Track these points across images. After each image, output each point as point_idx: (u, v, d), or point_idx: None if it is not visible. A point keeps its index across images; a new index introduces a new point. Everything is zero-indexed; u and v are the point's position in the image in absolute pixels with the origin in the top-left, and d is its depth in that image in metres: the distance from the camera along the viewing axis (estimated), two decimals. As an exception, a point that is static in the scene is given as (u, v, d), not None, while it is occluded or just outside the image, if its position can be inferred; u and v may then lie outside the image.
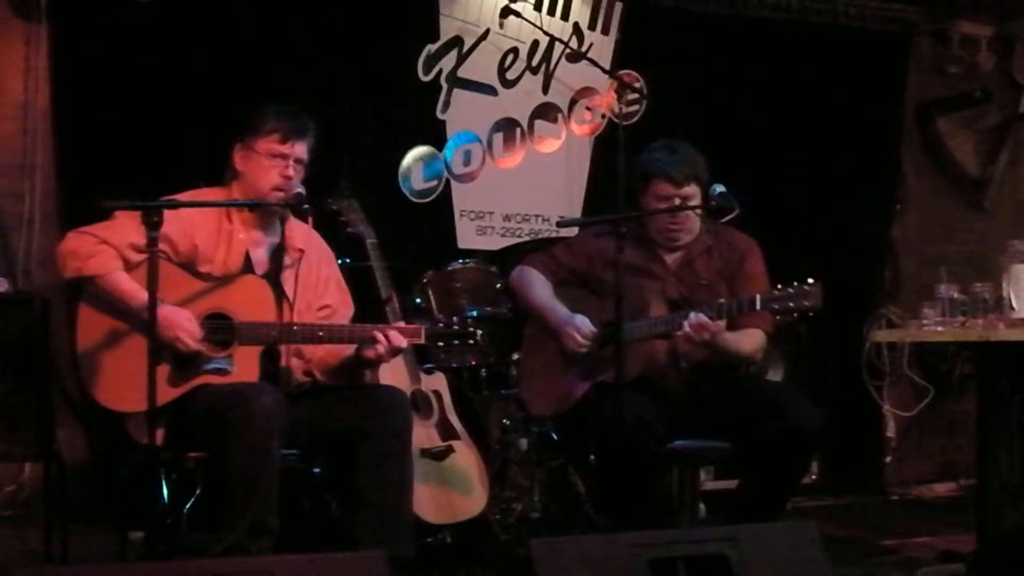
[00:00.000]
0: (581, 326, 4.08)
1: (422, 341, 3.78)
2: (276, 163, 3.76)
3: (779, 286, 3.81)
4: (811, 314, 3.79)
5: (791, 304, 3.76)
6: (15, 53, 5.17)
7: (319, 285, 3.92)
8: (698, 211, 4.17)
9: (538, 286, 4.28)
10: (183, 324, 3.56)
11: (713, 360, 4.06)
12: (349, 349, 3.80)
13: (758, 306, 3.82)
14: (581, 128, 6.11)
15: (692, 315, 3.84)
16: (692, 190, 4.10)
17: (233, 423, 3.42)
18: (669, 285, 4.15)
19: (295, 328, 3.70)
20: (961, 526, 4.73)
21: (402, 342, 3.72)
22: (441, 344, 3.79)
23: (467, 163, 5.88)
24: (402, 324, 3.82)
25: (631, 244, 3.92)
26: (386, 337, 3.69)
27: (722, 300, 3.91)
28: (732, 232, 4.30)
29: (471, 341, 3.76)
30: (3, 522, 4.79)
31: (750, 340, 4.07)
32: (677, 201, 4.08)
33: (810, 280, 3.75)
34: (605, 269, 4.12)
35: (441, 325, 3.79)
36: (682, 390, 4.08)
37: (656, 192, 4.11)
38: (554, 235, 5.47)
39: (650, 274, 4.15)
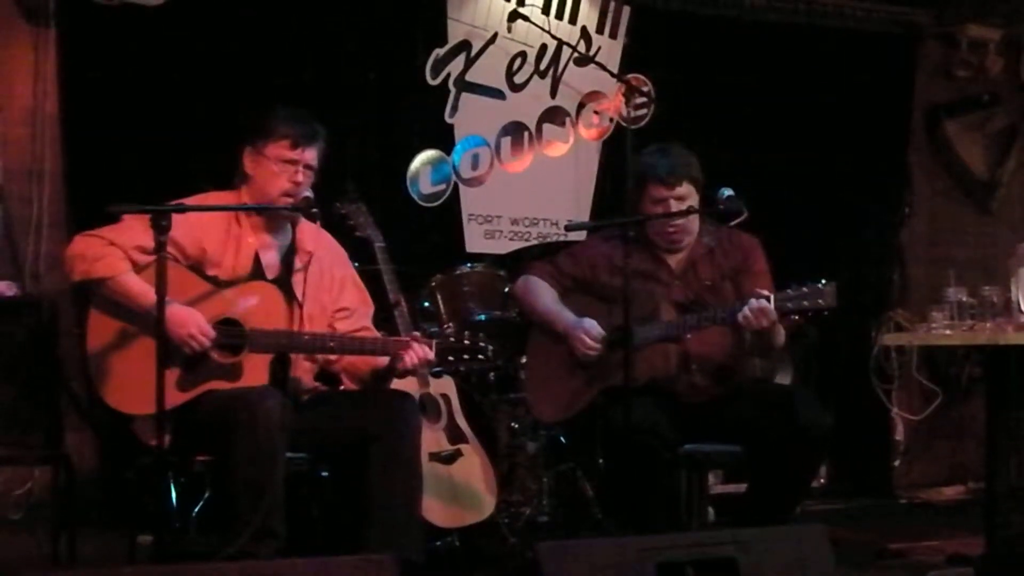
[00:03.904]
0: (591, 329, 4.07)
1: (433, 357, 3.78)
2: (286, 168, 3.75)
3: (793, 286, 3.81)
4: (825, 313, 3.77)
5: (805, 303, 3.76)
6: (24, 58, 5.17)
7: (333, 287, 3.91)
8: (704, 213, 4.16)
9: (543, 294, 4.26)
10: (195, 323, 3.54)
11: (726, 363, 4.06)
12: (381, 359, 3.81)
13: (772, 306, 3.81)
14: (589, 132, 6.11)
15: (753, 300, 3.81)
16: (685, 190, 4.06)
17: (239, 427, 3.42)
18: (675, 289, 4.13)
19: (306, 337, 3.70)
20: (970, 529, 4.71)
21: (430, 355, 3.73)
22: (452, 358, 3.79)
23: (475, 167, 5.88)
24: (415, 335, 3.82)
25: (635, 249, 3.91)
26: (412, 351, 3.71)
27: (737, 301, 3.88)
28: (733, 232, 4.27)
29: (481, 356, 3.76)
30: (12, 525, 4.80)
31: (781, 330, 4.06)
32: (672, 203, 4.05)
33: (823, 280, 3.75)
34: (611, 274, 4.10)
35: (452, 339, 3.78)
36: (692, 395, 4.06)
37: (651, 195, 4.09)
38: (562, 239, 5.47)
39: (655, 278, 4.14)
